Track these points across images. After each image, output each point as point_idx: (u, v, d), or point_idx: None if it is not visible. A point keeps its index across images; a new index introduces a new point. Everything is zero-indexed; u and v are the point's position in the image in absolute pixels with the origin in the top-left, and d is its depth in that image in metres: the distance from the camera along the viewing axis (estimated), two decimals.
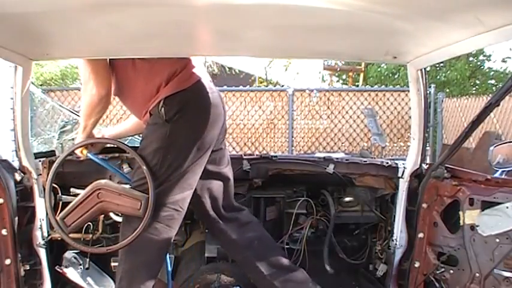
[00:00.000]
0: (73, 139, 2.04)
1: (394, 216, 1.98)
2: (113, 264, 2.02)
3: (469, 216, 1.67)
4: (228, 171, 1.93)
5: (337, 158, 2.14)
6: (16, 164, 1.79)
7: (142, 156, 1.66)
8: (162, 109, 1.64)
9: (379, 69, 12.04)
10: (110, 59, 1.71)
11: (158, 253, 1.74)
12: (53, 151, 2.07)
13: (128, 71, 1.73)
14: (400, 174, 1.98)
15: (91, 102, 1.72)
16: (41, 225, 1.81)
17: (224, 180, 1.91)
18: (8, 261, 1.70)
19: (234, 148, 7.52)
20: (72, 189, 1.84)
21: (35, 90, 4.55)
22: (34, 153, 1.85)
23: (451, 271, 1.76)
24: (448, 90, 10.06)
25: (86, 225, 1.85)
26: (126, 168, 1.94)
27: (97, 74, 1.68)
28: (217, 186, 1.89)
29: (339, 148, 7.77)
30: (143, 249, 1.68)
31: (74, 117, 3.34)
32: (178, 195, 1.69)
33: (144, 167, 1.61)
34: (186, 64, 1.71)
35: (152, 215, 1.63)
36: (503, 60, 12.23)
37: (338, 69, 12.11)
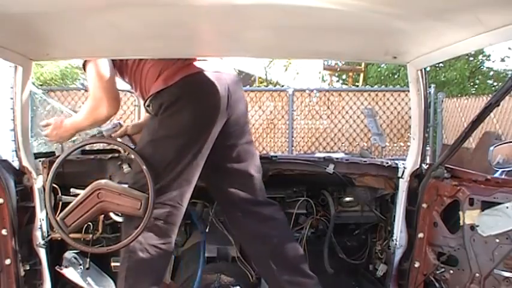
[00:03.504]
0: (73, 141, 2.04)
1: (394, 216, 1.98)
2: (113, 264, 2.02)
3: (469, 216, 1.67)
4: (248, 167, 1.88)
5: (337, 158, 2.14)
6: (16, 164, 1.79)
7: (140, 153, 1.68)
8: (150, 106, 1.72)
9: (379, 69, 12.04)
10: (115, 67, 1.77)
11: (162, 250, 1.73)
12: (53, 152, 2.07)
13: (127, 74, 1.80)
14: (400, 174, 1.98)
15: (98, 118, 1.78)
16: (41, 225, 1.81)
17: (244, 177, 1.87)
18: (8, 261, 1.70)
19: None
20: (72, 189, 1.84)
21: (35, 91, 4.56)
22: (34, 154, 1.85)
23: (451, 271, 1.76)
24: (447, 90, 10.06)
25: (86, 225, 1.85)
26: (126, 168, 1.93)
27: (108, 93, 1.72)
28: (233, 182, 1.86)
29: (339, 148, 7.77)
30: (146, 248, 1.68)
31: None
32: (176, 191, 1.70)
33: (144, 167, 1.62)
34: (173, 63, 1.71)
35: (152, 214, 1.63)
36: (503, 60, 12.26)
37: (338, 69, 12.11)
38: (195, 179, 1.75)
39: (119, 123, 1.90)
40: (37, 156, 1.89)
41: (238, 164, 1.86)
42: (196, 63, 1.72)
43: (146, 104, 1.74)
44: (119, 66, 1.81)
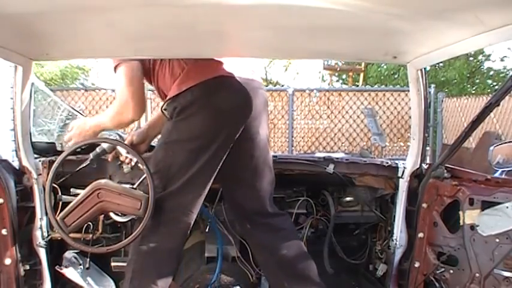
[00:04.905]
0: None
1: (394, 216, 1.98)
2: (113, 264, 2.02)
3: (469, 216, 1.67)
4: (263, 180, 1.85)
5: (337, 158, 2.14)
6: (16, 164, 1.79)
7: (153, 156, 1.71)
8: (166, 110, 1.72)
9: (379, 69, 12.05)
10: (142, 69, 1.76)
11: (169, 255, 1.71)
12: (53, 143, 2.10)
13: (153, 79, 1.82)
14: (400, 174, 1.98)
15: (122, 121, 1.79)
16: (41, 225, 1.81)
17: (257, 190, 1.84)
18: (8, 261, 1.70)
19: None
20: (72, 189, 1.84)
21: (38, 83, 4.55)
22: (35, 142, 1.86)
23: (451, 271, 1.76)
24: (446, 90, 10.07)
25: (86, 225, 1.85)
26: (126, 168, 1.93)
27: (135, 99, 1.71)
28: (245, 194, 1.85)
29: (339, 148, 7.79)
30: (152, 252, 1.67)
31: (75, 114, 3.35)
32: (186, 197, 1.68)
33: (145, 167, 1.61)
34: (189, 67, 1.70)
35: (155, 216, 1.61)
36: (502, 60, 12.26)
37: (338, 69, 12.11)
38: (207, 186, 1.71)
39: (117, 134, 1.88)
40: (38, 145, 1.90)
41: (254, 175, 1.83)
42: (213, 68, 1.68)
43: (163, 108, 1.74)
44: (147, 71, 1.79)
